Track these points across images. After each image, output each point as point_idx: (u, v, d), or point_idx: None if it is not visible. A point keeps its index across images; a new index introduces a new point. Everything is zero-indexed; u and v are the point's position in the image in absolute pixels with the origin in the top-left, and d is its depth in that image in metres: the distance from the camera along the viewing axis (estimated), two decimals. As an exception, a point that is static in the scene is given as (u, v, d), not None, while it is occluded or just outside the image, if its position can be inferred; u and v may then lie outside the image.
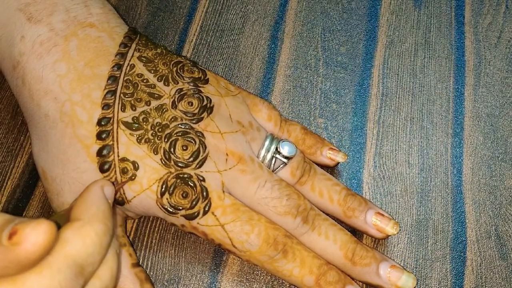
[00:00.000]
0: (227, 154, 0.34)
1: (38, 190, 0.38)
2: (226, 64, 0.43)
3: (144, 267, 0.36)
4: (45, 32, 0.35)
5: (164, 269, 0.36)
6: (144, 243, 0.36)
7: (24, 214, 0.37)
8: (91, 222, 0.26)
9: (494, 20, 0.47)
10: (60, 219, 0.27)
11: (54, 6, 0.35)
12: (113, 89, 0.34)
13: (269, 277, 0.36)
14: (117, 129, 0.33)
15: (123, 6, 0.45)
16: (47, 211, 0.37)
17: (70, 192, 0.33)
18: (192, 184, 0.33)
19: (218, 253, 0.36)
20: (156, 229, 0.37)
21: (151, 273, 0.36)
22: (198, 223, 0.33)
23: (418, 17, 0.47)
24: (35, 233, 0.22)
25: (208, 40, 0.44)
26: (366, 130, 0.42)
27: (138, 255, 0.36)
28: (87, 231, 0.25)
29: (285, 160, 0.36)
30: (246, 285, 0.36)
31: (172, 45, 0.44)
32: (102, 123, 0.33)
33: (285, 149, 0.36)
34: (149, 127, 0.34)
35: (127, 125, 0.33)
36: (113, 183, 0.32)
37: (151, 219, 0.37)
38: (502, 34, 0.46)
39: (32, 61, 0.34)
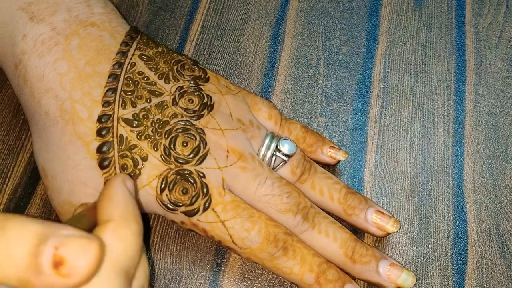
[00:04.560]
0: (227, 151, 0.34)
1: (39, 188, 0.38)
2: (227, 63, 0.44)
3: (145, 265, 0.36)
4: (47, 31, 0.35)
5: (166, 268, 0.36)
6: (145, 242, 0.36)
7: (25, 213, 0.37)
8: (126, 222, 0.24)
9: (495, 20, 0.47)
10: (80, 220, 0.25)
11: (56, 5, 0.35)
12: (114, 86, 0.34)
13: (270, 275, 0.36)
14: (117, 125, 0.33)
15: (125, 5, 0.45)
16: (49, 210, 0.37)
17: (70, 190, 0.33)
18: (192, 181, 0.33)
19: (220, 252, 0.36)
20: (158, 227, 0.37)
21: (153, 272, 0.36)
22: (198, 220, 0.33)
23: (419, 17, 0.47)
24: (86, 262, 0.20)
25: (209, 39, 0.44)
26: (367, 129, 0.42)
27: (139, 253, 0.36)
28: (124, 233, 0.24)
29: (285, 158, 0.36)
30: (248, 283, 0.36)
31: (174, 44, 0.44)
32: (102, 120, 0.33)
33: (285, 147, 0.36)
34: (149, 124, 0.34)
35: (127, 121, 0.33)
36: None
37: (152, 218, 0.37)
38: (502, 34, 0.46)
39: (33, 59, 0.34)
